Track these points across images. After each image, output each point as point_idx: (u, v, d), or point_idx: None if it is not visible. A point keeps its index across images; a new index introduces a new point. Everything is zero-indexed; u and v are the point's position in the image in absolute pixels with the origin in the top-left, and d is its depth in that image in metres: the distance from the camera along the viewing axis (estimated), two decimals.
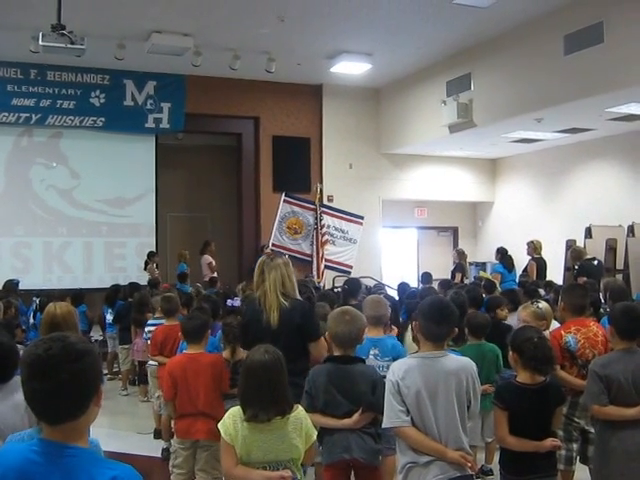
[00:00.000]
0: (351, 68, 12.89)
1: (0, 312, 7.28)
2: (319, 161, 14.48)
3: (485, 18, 10.35)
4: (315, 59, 12.46)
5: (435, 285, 9.76)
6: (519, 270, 11.79)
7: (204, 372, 4.71)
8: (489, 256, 14.07)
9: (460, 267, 12.57)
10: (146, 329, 7.35)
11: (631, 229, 11.66)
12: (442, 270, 13.15)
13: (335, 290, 10.25)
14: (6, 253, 12.56)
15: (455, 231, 16.79)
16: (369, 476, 3.93)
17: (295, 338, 4.29)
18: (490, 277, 10.87)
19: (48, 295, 9.17)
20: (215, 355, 5.06)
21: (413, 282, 12.35)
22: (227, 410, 3.40)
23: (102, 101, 12.74)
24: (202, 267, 13.30)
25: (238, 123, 14.19)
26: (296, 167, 14.17)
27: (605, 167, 13.15)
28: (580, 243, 11.95)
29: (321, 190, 14.40)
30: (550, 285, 8.94)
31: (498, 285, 9.71)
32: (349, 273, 13.82)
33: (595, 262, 10.51)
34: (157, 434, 6.90)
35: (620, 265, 11.63)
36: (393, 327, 5.59)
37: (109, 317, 9.82)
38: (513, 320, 5.84)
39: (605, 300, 7.18)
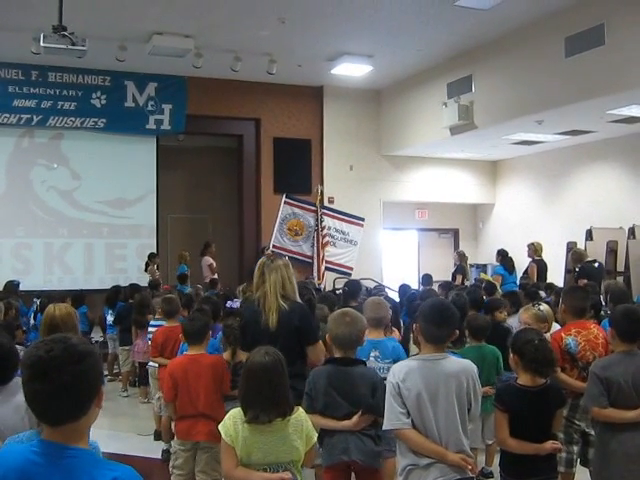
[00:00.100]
0: (352, 70, 12.90)
1: (1, 313, 7.29)
2: (320, 163, 14.49)
3: (486, 20, 10.35)
4: (316, 61, 12.47)
5: (435, 287, 9.75)
6: (520, 272, 11.78)
7: (205, 373, 4.71)
8: (490, 258, 14.09)
9: (461, 269, 12.57)
10: (149, 329, 7.37)
11: (632, 231, 11.66)
12: (443, 272, 13.16)
13: (336, 292, 10.24)
14: (7, 254, 12.56)
15: (456, 233, 16.79)
16: (369, 478, 3.93)
17: (293, 341, 4.27)
18: (491, 279, 10.87)
19: (48, 296, 9.17)
20: (216, 356, 5.06)
21: (414, 284, 12.35)
22: (227, 412, 3.40)
23: (103, 102, 12.75)
24: (203, 268, 13.30)
25: (239, 125, 14.20)
26: (297, 169, 14.18)
27: (606, 169, 13.15)
28: (581, 245, 11.95)
29: (322, 192, 14.41)
30: (551, 287, 8.93)
31: (499, 287, 9.71)
32: (350, 275, 13.82)
33: (596, 264, 10.50)
34: (157, 435, 6.89)
35: (621, 267, 11.63)
36: (394, 329, 5.59)
37: (110, 318, 9.82)
38: (515, 322, 5.84)
39: (606, 302, 7.18)
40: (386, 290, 11.50)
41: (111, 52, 10.96)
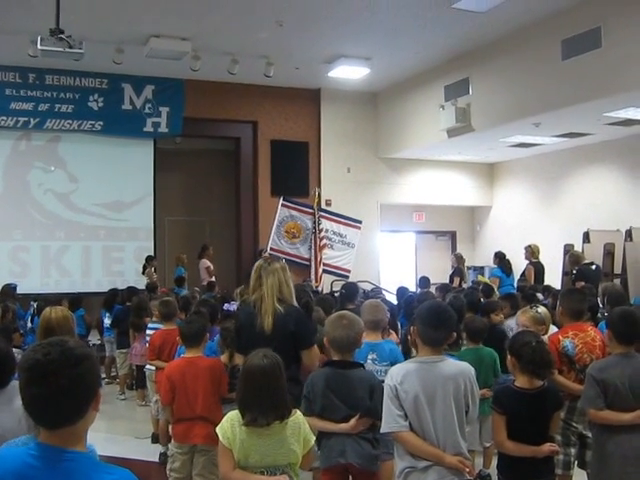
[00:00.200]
0: (349, 72, 12.91)
1: None
2: (317, 165, 14.50)
3: (483, 23, 10.37)
4: (313, 63, 12.48)
5: (433, 289, 9.75)
6: (517, 274, 11.79)
7: (203, 376, 4.70)
8: (487, 260, 14.09)
9: (458, 271, 12.57)
10: (147, 332, 7.36)
11: (629, 233, 11.68)
12: (440, 274, 13.15)
13: (334, 294, 10.24)
14: (4, 257, 12.55)
15: (453, 235, 16.80)
16: None
17: (288, 344, 4.22)
18: (488, 281, 10.87)
19: (45, 299, 9.16)
20: (214, 359, 5.05)
21: (411, 286, 12.35)
22: (225, 414, 3.40)
23: (100, 105, 12.75)
24: (200, 271, 13.30)
25: (236, 127, 14.20)
26: (294, 171, 14.18)
27: (603, 172, 13.17)
28: (578, 247, 11.97)
29: (319, 194, 14.42)
30: (548, 290, 8.93)
31: (496, 289, 9.71)
32: (347, 277, 13.82)
33: (593, 267, 10.51)
34: (155, 438, 6.88)
35: (618, 270, 11.65)
36: (391, 331, 5.58)
37: (107, 321, 9.80)
38: (513, 324, 5.84)
39: (603, 305, 7.18)
40: (383, 292, 11.50)
41: (108, 55, 10.96)
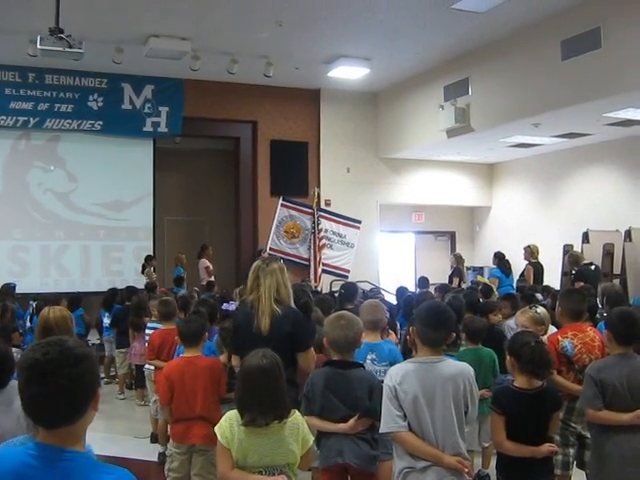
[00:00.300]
0: (349, 73, 12.91)
1: None
2: (317, 165, 14.50)
3: (483, 23, 10.37)
4: (313, 63, 12.48)
5: (432, 290, 9.75)
6: (516, 275, 11.80)
7: (202, 375, 4.70)
8: (486, 261, 14.09)
9: (458, 272, 12.57)
10: (146, 332, 7.36)
11: (628, 234, 11.68)
12: (439, 275, 13.15)
13: (334, 294, 10.24)
14: (3, 256, 12.54)
15: (452, 236, 16.81)
16: None
17: (285, 346, 4.14)
18: (487, 282, 10.87)
19: (44, 299, 9.16)
20: (213, 358, 5.05)
21: (410, 287, 12.35)
22: (223, 414, 3.40)
23: (100, 105, 12.75)
24: (199, 271, 13.30)
25: (236, 127, 14.20)
26: (294, 171, 14.18)
27: (602, 172, 13.17)
28: (577, 248, 11.97)
29: (319, 194, 14.42)
30: (547, 290, 8.94)
31: (495, 290, 9.72)
32: (347, 277, 13.82)
33: (592, 267, 10.52)
34: (154, 438, 6.88)
35: (617, 270, 11.66)
36: (390, 332, 5.58)
37: (106, 321, 9.81)
38: (514, 324, 5.85)
39: (602, 305, 7.19)
40: (382, 292, 11.50)
41: (108, 54, 10.96)
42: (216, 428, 3.27)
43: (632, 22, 8.95)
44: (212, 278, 12.62)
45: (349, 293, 7.12)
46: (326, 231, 14.40)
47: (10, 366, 3.24)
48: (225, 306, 6.59)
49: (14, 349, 5.03)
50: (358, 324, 4.09)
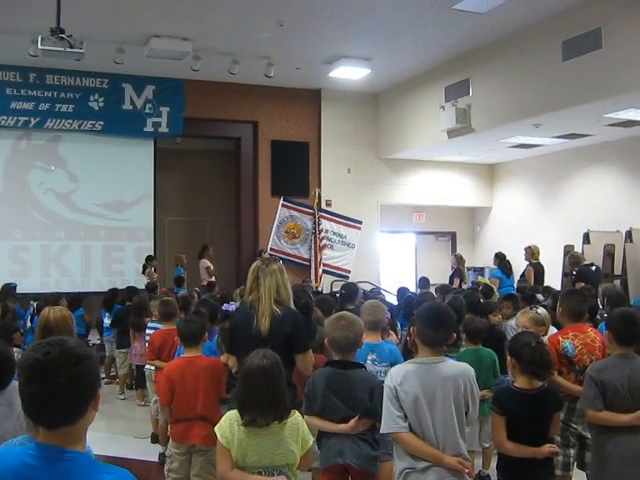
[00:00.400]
0: (350, 73, 12.91)
1: None
2: (317, 166, 14.50)
3: (484, 24, 10.37)
4: (314, 64, 12.48)
5: (433, 290, 9.75)
6: (517, 275, 11.79)
7: (203, 375, 4.69)
8: (487, 261, 14.10)
9: (458, 272, 12.58)
10: (146, 332, 7.36)
11: (629, 235, 11.68)
12: (440, 275, 13.16)
13: (336, 295, 10.24)
14: (4, 256, 12.56)
15: (453, 236, 16.81)
16: None
17: (284, 347, 4.10)
18: (488, 282, 10.87)
19: (45, 298, 9.16)
20: (214, 358, 5.04)
21: (411, 287, 12.35)
22: (222, 415, 3.40)
23: (101, 105, 12.76)
24: (200, 271, 13.31)
25: (237, 127, 14.20)
26: (294, 172, 14.19)
27: (603, 173, 13.17)
28: (578, 248, 11.97)
29: (319, 195, 14.42)
30: (548, 290, 8.94)
31: (496, 290, 9.71)
32: (347, 278, 13.82)
33: (593, 268, 10.51)
34: (154, 438, 6.88)
35: (618, 271, 11.65)
36: (391, 332, 5.58)
37: (107, 321, 9.81)
38: (514, 325, 5.85)
39: (603, 306, 7.18)
40: (382, 293, 11.50)
41: (109, 55, 10.97)
42: (216, 428, 3.27)
43: (633, 23, 8.95)
44: (213, 278, 12.63)
45: (350, 293, 7.12)
46: (327, 231, 14.40)
47: (11, 367, 3.24)
48: (225, 306, 6.59)
49: (15, 349, 5.05)
50: (359, 324, 4.09)
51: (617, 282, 11.03)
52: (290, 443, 3.21)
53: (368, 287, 12.86)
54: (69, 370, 1.84)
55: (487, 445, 5.45)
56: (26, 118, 12.33)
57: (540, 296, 8.17)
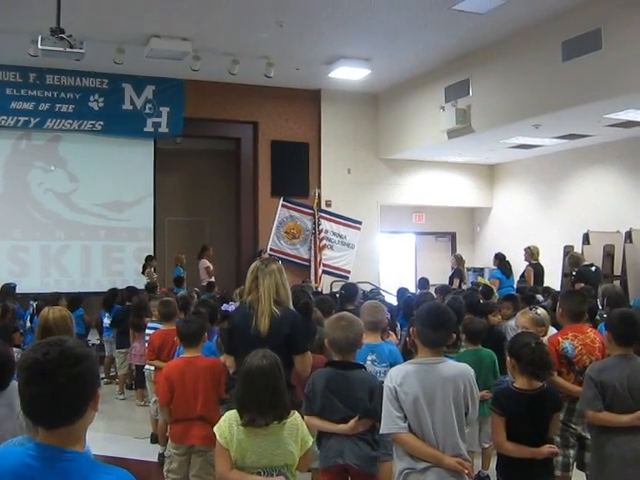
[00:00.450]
0: (350, 73, 12.90)
1: None
2: (317, 166, 14.50)
3: (483, 24, 10.37)
4: (314, 64, 12.48)
5: (432, 291, 9.75)
6: (517, 276, 11.79)
7: (203, 375, 4.69)
8: (487, 262, 14.09)
9: (458, 273, 12.58)
10: (146, 332, 7.36)
11: (629, 235, 11.68)
12: (440, 276, 13.16)
13: (336, 295, 10.23)
14: (3, 256, 12.55)
15: (453, 237, 16.81)
16: None
17: (282, 348, 4.05)
18: (488, 283, 10.88)
19: (44, 299, 9.16)
20: (213, 359, 5.03)
21: (411, 288, 12.35)
22: (221, 415, 3.39)
23: (101, 105, 12.75)
24: (200, 271, 13.31)
25: (237, 128, 14.20)
26: (294, 172, 14.18)
27: (603, 173, 13.17)
28: (578, 249, 11.97)
29: (319, 195, 14.42)
30: (548, 291, 8.94)
31: (496, 291, 9.71)
32: (347, 278, 13.82)
33: (593, 268, 10.52)
34: (154, 439, 6.88)
35: (618, 271, 11.65)
36: (391, 332, 5.58)
37: (106, 321, 9.81)
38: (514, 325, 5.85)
39: (602, 306, 7.19)
40: (382, 293, 11.51)
41: (109, 55, 10.96)
42: (215, 428, 3.27)
43: (633, 23, 8.95)
44: (212, 279, 12.63)
45: (349, 294, 7.12)
46: (327, 232, 14.40)
47: (11, 367, 3.24)
48: (225, 307, 6.59)
49: (15, 349, 5.05)
50: (359, 325, 4.09)
51: (617, 283, 11.03)
52: (289, 443, 3.21)
53: (368, 287, 12.86)
54: (68, 370, 1.84)
55: (487, 445, 5.45)
56: (26, 118, 12.32)
57: (540, 297, 8.17)
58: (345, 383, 3.88)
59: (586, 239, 12.31)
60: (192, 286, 11.95)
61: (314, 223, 14.28)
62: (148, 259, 12.57)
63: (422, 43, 11.30)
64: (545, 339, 4.59)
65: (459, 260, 12.86)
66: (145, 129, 13.15)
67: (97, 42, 10.10)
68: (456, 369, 3.40)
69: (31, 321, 9.24)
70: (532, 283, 10.93)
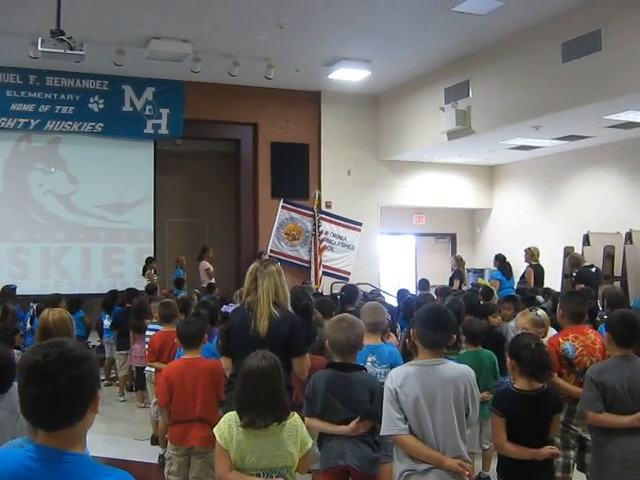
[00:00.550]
0: (350, 75, 12.90)
1: None
2: (317, 167, 14.49)
3: (484, 25, 10.37)
4: (314, 66, 12.48)
5: (433, 292, 9.75)
6: (517, 277, 11.79)
7: (203, 377, 4.70)
8: (487, 263, 14.09)
9: (458, 274, 12.57)
10: (146, 334, 7.36)
11: (629, 236, 11.67)
12: (440, 277, 13.16)
13: (336, 296, 10.23)
14: (4, 258, 12.54)
15: (453, 238, 16.80)
16: None
17: (281, 349, 4.03)
18: (488, 284, 10.87)
19: (45, 300, 9.15)
20: (213, 360, 5.03)
21: (411, 289, 12.35)
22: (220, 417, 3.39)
23: (101, 107, 12.75)
24: (200, 273, 13.30)
25: (237, 129, 14.21)
26: (294, 173, 14.18)
27: (603, 174, 13.17)
28: (578, 250, 11.97)
29: (319, 196, 14.41)
30: (548, 292, 8.94)
31: (496, 292, 9.71)
32: (347, 279, 13.82)
33: (593, 269, 10.52)
34: (154, 440, 6.88)
35: (618, 272, 11.65)
36: (391, 334, 5.58)
37: (107, 323, 9.80)
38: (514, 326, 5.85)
39: (602, 307, 7.18)
40: (382, 294, 11.50)
41: (109, 56, 10.96)
42: (215, 429, 3.27)
43: (633, 24, 8.95)
44: (212, 280, 12.63)
45: (350, 295, 7.12)
46: (327, 233, 14.39)
47: (12, 370, 3.24)
48: (225, 308, 6.60)
49: (15, 351, 5.05)
50: (360, 326, 4.09)
51: (617, 284, 11.03)
52: (289, 445, 3.21)
53: (368, 289, 12.85)
54: (68, 372, 1.83)
55: (487, 447, 5.45)
56: (26, 120, 12.32)
57: (540, 298, 8.18)
58: (346, 385, 3.88)
59: (586, 240, 12.31)
60: (192, 288, 11.96)
61: (314, 224, 14.28)
62: (148, 261, 12.56)
63: (422, 44, 11.31)
64: (545, 340, 4.59)
65: (459, 261, 12.85)
66: (145, 131, 13.15)
67: (97, 44, 10.10)
68: (456, 370, 3.40)
69: (31, 323, 9.23)
70: (532, 284, 10.92)
